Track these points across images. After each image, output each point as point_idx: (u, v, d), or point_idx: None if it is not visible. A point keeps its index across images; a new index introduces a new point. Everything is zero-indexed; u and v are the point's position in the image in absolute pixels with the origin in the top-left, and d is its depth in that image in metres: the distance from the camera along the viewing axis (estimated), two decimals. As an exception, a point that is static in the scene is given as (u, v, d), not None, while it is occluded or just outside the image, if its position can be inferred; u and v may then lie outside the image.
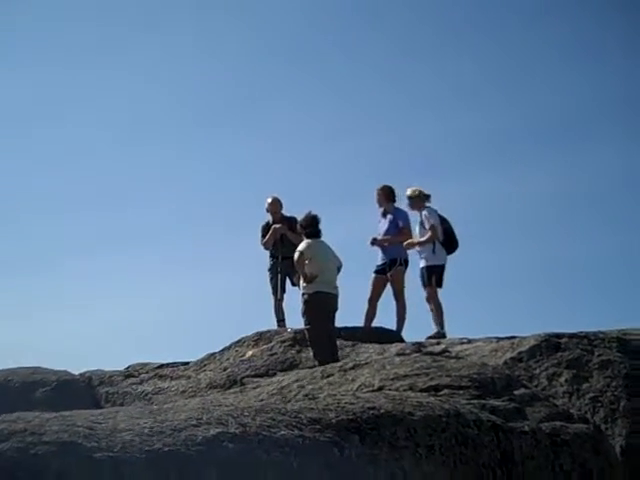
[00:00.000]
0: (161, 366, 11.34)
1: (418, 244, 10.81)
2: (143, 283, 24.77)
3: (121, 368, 11.58)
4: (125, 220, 26.26)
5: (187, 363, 11.22)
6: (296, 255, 9.74)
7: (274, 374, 9.14)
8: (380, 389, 5.98)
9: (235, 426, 4.18)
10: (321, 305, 9.52)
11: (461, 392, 5.89)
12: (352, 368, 6.67)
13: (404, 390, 5.90)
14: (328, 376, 6.58)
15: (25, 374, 11.20)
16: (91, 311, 22.55)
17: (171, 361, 11.52)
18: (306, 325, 9.66)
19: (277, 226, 11.50)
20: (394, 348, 8.67)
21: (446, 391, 5.89)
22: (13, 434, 3.49)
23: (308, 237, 9.81)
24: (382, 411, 4.89)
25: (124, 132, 26.84)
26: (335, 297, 9.77)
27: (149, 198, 26.47)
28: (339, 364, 7.07)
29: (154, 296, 23.31)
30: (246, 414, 4.42)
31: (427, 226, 10.80)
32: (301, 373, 7.15)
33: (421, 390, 5.91)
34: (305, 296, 9.64)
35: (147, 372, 11.33)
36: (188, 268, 24.36)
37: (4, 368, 11.44)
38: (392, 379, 6.12)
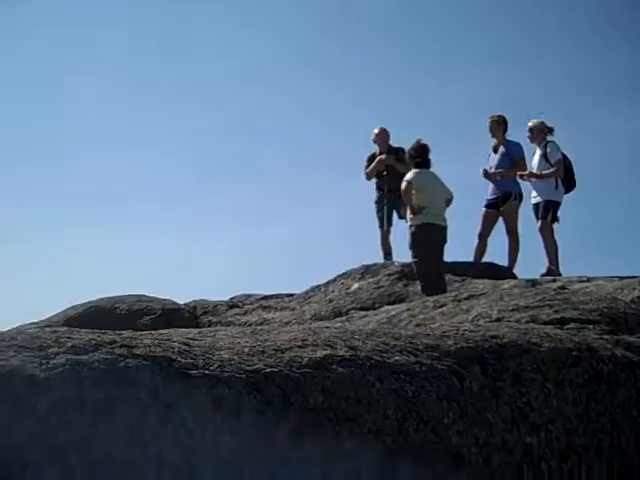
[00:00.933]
0: (265, 297, 11.06)
1: (539, 177, 10.02)
2: (249, 216, 24.68)
3: (225, 299, 11.36)
4: (237, 152, 26.13)
5: (292, 295, 10.90)
6: (403, 185, 9.15)
7: (380, 307, 8.66)
8: (498, 320, 5.39)
9: (344, 349, 3.70)
10: (429, 237, 8.95)
11: (590, 327, 5.24)
12: (467, 298, 6.09)
13: (526, 322, 5.29)
14: (441, 306, 6.02)
15: (131, 301, 11.10)
16: (196, 242, 22.60)
17: (275, 293, 11.23)
18: (413, 258, 9.11)
19: (382, 157, 10.90)
20: (507, 284, 8.01)
21: (573, 325, 5.25)
22: (102, 345, 3.10)
23: (417, 167, 9.20)
24: (505, 340, 4.31)
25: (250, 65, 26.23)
26: (444, 229, 9.17)
27: (256, 131, 26.07)
28: (453, 294, 6.50)
29: (260, 228, 23.16)
30: (356, 337, 3.93)
31: (552, 160, 9.99)
32: (412, 303, 6.63)
33: (544, 323, 5.29)
34: (412, 228, 9.08)
35: (251, 303, 11.05)
36: (295, 201, 24.10)
37: (112, 295, 11.40)
38: (512, 310, 5.51)
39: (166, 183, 26.58)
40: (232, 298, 11.35)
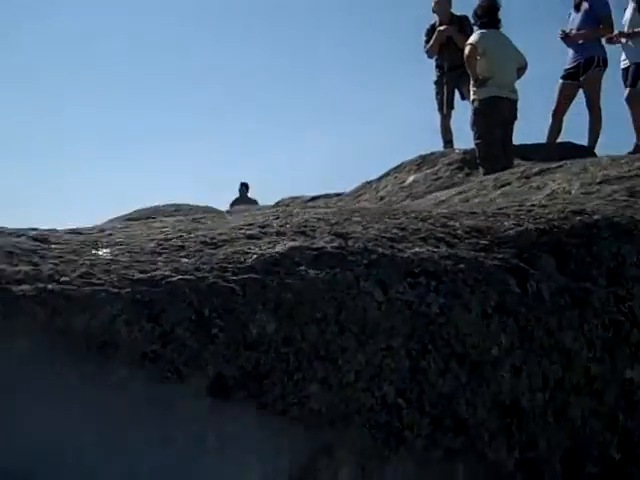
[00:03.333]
0: (313, 199, 9.61)
1: (630, 36, 8.00)
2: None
3: (272, 203, 10.00)
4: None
5: (341, 194, 9.38)
6: (466, 49, 7.30)
7: (436, 198, 7.04)
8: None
9: (327, 238, 2.16)
10: (495, 113, 7.15)
11: None
12: (538, 173, 4.42)
13: (622, 198, 3.63)
14: (503, 185, 4.39)
15: (169, 212, 9.85)
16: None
17: (324, 193, 9.78)
18: (476, 139, 7.37)
19: (441, 28, 9.00)
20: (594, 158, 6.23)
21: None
22: None
23: (483, 28, 7.35)
24: (597, 217, 2.69)
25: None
26: (513, 103, 7.36)
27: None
28: (520, 169, 4.81)
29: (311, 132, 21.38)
30: (355, 219, 2.36)
31: None
32: (466, 185, 5.01)
33: (647, 197, 3.62)
34: (475, 102, 7.29)
35: (298, 205, 9.61)
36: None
37: (149, 206, 10.28)
38: (599, 183, 3.83)
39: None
40: (278, 202, 10.03)
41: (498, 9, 7.32)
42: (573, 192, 3.90)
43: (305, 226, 2.19)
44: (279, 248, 2.01)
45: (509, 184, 4.38)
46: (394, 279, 2.05)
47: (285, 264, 1.96)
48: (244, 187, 13.78)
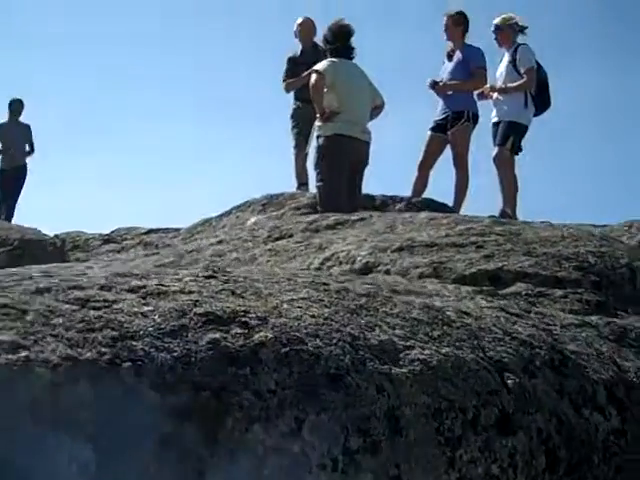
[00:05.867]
0: (149, 232, 7.99)
1: (504, 90, 6.73)
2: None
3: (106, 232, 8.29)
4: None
5: (179, 229, 7.80)
6: (312, 77, 5.84)
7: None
8: (367, 269, 2.25)
9: None
10: (341, 153, 5.70)
11: (558, 292, 2.10)
12: (331, 227, 2.92)
13: (420, 277, 2.15)
14: (279, 238, 2.88)
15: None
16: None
17: (164, 227, 8.16)
18: (318, 181, 5.90)
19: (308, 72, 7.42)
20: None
21: (521, 286, 2.10)
22: None
23: (334, 55, 5.93)
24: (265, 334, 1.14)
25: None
26: (364, 145, 5.92)
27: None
28: (310, 218, 3.30)
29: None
30: None
31: (522, 69, 6.68)
32: (240, 232, 3.49)
33: (459, 279, 2.15)
34: (320, 139, 5.83)
35: (132, 238, 7.97)
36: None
37: None
38: (398, 250, 2.34)
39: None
40: (113, 231, 8.36)
41: (351, 35, 5.91)
42: (359, 259, 2.39)
43: None
44: None
45: (289, 237, 2.86)
46: None
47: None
48: (19, 104, 9.37)
